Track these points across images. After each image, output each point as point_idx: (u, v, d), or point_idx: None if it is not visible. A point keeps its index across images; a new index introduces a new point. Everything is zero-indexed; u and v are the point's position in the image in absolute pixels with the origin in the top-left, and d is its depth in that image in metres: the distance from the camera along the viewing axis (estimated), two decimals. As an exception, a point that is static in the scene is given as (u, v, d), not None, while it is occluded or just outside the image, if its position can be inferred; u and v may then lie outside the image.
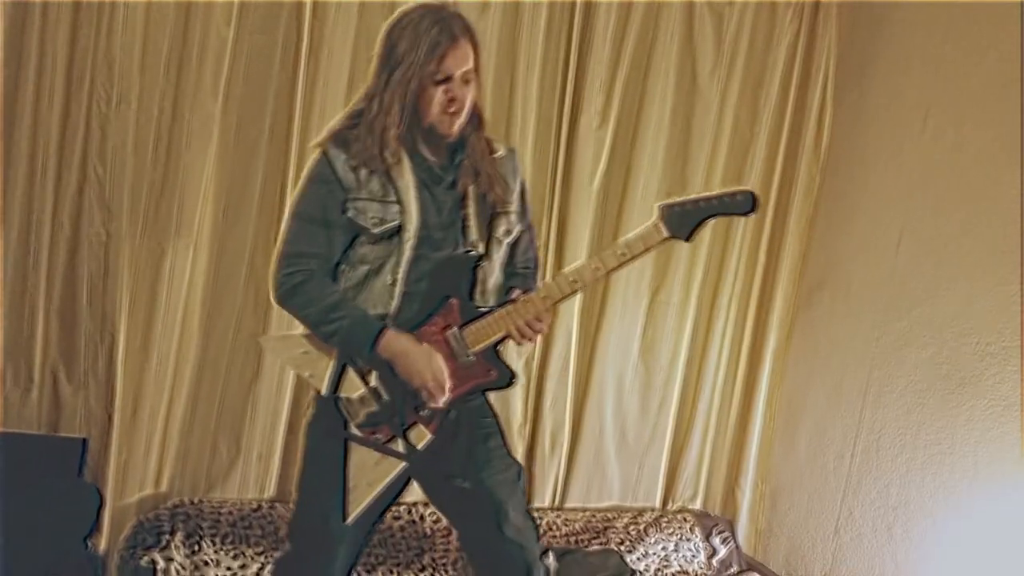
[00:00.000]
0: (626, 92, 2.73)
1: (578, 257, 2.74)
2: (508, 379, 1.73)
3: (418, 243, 1.66)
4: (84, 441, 2.32)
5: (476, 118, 1.73)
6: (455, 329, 1.69)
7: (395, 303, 1.66)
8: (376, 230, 1.65)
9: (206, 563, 2.25)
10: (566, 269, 1.70)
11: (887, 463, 2.55)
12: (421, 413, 1.69)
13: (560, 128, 2.68)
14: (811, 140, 2.90)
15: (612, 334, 2.82)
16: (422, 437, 1.69)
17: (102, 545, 2.32)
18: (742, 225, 2.91)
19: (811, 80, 2.88)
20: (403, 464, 1.69)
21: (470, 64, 1.63)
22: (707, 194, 1.66)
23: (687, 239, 1.66)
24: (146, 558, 2.20)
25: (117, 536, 2.30)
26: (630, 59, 2.71)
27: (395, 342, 1.64)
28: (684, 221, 1.64)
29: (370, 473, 1.68)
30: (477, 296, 1.73)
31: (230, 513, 2.36)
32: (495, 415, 1.85)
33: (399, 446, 1.68)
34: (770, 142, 2.90)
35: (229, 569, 2.27)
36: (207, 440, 2.45)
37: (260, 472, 2.50)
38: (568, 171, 2.71)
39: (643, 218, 2.71)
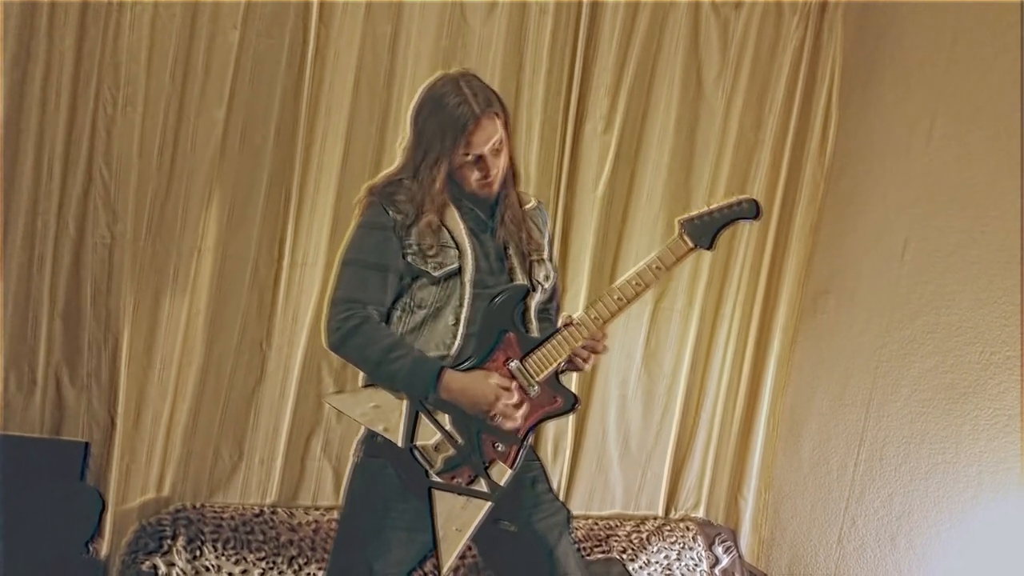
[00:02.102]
0: (631, 97, 2.73)
1: (582, 262, 2.74)
2: (572, 404, 1.79)
3: (474, 285, 1.72)
4: (86, 445, 2.31)
5: (511, 173, 1.80)
6: (517, 362, 1.73)
7: (458, 343, 1.71)
8: (437, 273, 1.71)
9: (207, 568, 2.24)
10: (609, 289, 1.76)
11: (891, 472, 2.54)
12: (498, 448, 1.72)
13: (565, 133, 2.68)
14: (816, 146, 2.90)
15: (615, 341, 2.81)
16: (502, 473, 1.72)
17: (103, 550, 2.30)
18: (746, 232, 2.90)
19: (816, 86, 2.89)
20: (488, 505, 1.71)
21: (498, 135, 1.70)
22: (717, 205, 1.76)
23: (709, 248, 1.75)
24: (147, 563, 2.18)
25: (119, 541, 2.30)
26: (635, 64, 2.72)
27: (453, 380, 1.67)
28: (704, 231, 1.74)
29: (458, 519, 1.70)
30: (530, 329, 1.79)
31: (232, 518, 2.35)
32: (539, 458, 1.89)
33: (481, 486, 1.71)
34: (775, 148, 2.90)
35: (230, 574, 2.26)
36: (209, 445, 2.44)
37: (262, 477, 2.49)
38: (572, 176, 2.71)
39: (648, 224, 2.78)
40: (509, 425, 1.70)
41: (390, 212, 1.72)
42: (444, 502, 1.69)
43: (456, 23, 2.51)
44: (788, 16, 2.84)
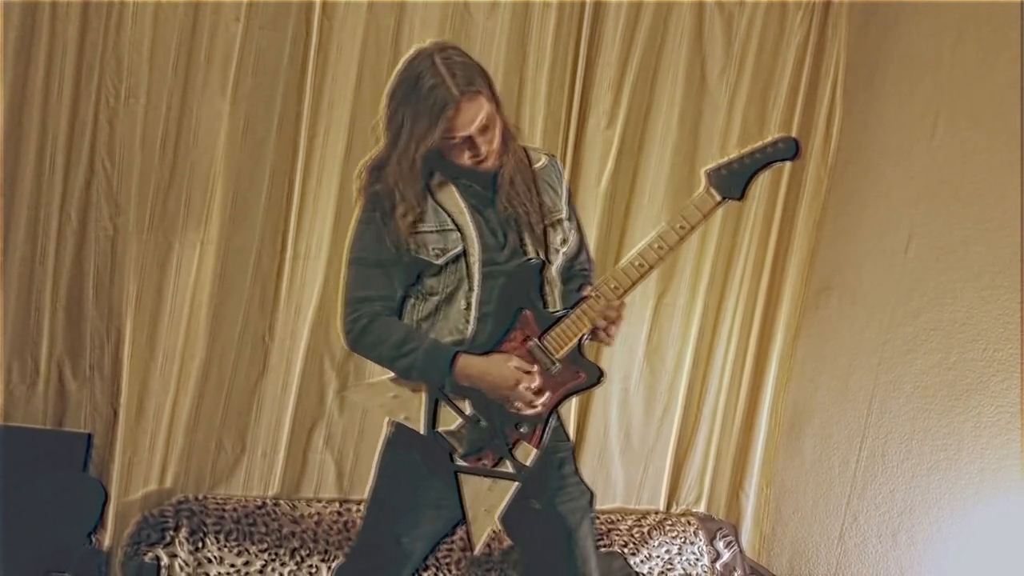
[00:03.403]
0: (635, 92, 2.73)
1: (584, 258, 2.74)
2: (597, 377, 1.71)
3: (483, 265, 1.67)
4: (89, 436, 2.32)
5: (508, 137, 1.70)
6: (535, 340, 1.68)
7: (471, 327, 1.67)
8: (439, 260, 1.66)
9: (209, 560, 2.24)
10: (630, 255, 1.64)
11: (893, 468, 2.54)
12: (521, 430, 1.70)
13: (568, 128, 2.67)
14: (819, 143, 2.90)
15: (617, 336, 2.80)
16: (528, 453, 1.70)
17: (106, 541, 2.32)
18: (750, 227, 2.90)
19: (820, 82, 2.88)
20: (516, 484, 1.69)
21: (483, 112, 1.59)
22: (749, 148, 1.60)
23: (740, 198, 1.60)
24: (150, 554, 2.20)
25: (121, 532, 2.30)
26: (639, 59, 2.71)
27: (469, 364, 1.64)
28: (734, 181, 1.59)
29: (486, 500, 1.69)
30: (549, 303, 1.74)
31: (234, 510, 2.36)
32: (569, 438, 1.87)
33: (508, 467, 1.69)
34: (778, 145, 2.89)
35: (233, 566, 2.27)
36: (212, 437, 2.45)
37: (264, 469, 2.50)
38: (576, 171, 2.70)
39: (651, 220, 2.78)
40: (529, 412, 1.66)
41: (377, 211, 1.67)
42: (471, 485, 1.69)
43: (459, 17, 2.51)
44: (792, 13, 2.83)
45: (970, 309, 2.38)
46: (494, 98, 1.64)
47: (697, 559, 2.81)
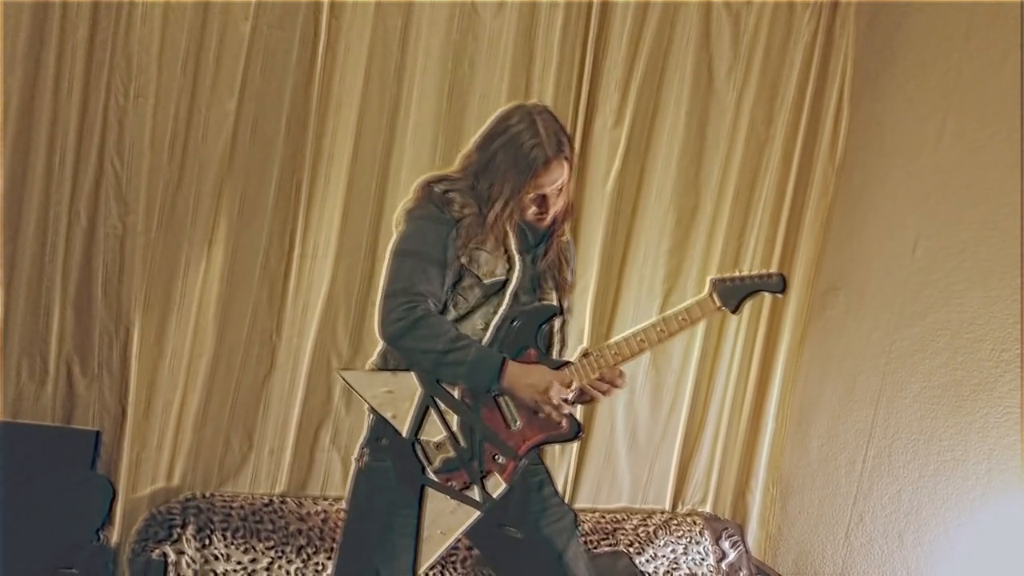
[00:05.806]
0: (642, 92, 2.73)
1: (591, 258, 2.74)
2: (576, 432, 1.79)
3: (514, 297, 1.75)
4: (97, 434, 2.33)
5: (569, 206, 1.83)
6: None
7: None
8: (487, 280, 1.73)
9: (216, 557, 2.25)
10: (633, 330, 1.79)
11: (899, 469, 2.54)
12: (498, 460, 1.72)
13: (575, 127, 2.67)
14: (827, 143, 2.90)
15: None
16: (497, 486, 1.72)
17: (114, 538, 2.32)
18: (757, 227, 2.90)
19: (828, 82, 2.88)
20: (477, 514, 1.70)
21: (563, 178, 1.75)
22: (748, 273, 1.83)
23: (734, 311, 1.81)
24: (157, 551, 2.21)
25: (129, 529, 2.31)
26: (646, 59, 2.71)
27: (515, 368, 1.69)
28: (732, 295, 1.80)
29: (445, 522, 1.69)
30: (553, 351, 1.82)
31: (241, 507, 2.37)
32: (543, 462, 1.90)
33: (475, 494, 1.70)
34: (786, 144, 2.90)
35: (239, 563, 2.28)
36: (219, 435, 2.46)
37: (272, 467, 2.51)
38: (582, 171, 2.70)
39: (657, 219, 2.78)
40: (556, 418, 1.72)
41: (446, 213, 1.73)
42: (435, 502, 1.69)
43: (467, 17, 2.51)
44: (800, 12, 2.83)
45: (977, 309, 2.38)
46: (571, 167, 1.77)
47: (703, 559, 2.81)
